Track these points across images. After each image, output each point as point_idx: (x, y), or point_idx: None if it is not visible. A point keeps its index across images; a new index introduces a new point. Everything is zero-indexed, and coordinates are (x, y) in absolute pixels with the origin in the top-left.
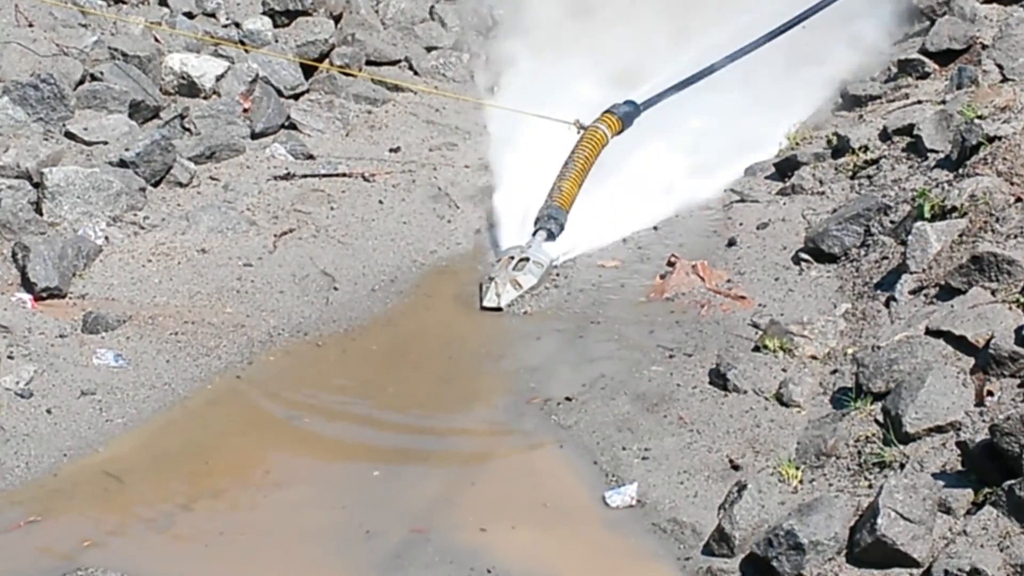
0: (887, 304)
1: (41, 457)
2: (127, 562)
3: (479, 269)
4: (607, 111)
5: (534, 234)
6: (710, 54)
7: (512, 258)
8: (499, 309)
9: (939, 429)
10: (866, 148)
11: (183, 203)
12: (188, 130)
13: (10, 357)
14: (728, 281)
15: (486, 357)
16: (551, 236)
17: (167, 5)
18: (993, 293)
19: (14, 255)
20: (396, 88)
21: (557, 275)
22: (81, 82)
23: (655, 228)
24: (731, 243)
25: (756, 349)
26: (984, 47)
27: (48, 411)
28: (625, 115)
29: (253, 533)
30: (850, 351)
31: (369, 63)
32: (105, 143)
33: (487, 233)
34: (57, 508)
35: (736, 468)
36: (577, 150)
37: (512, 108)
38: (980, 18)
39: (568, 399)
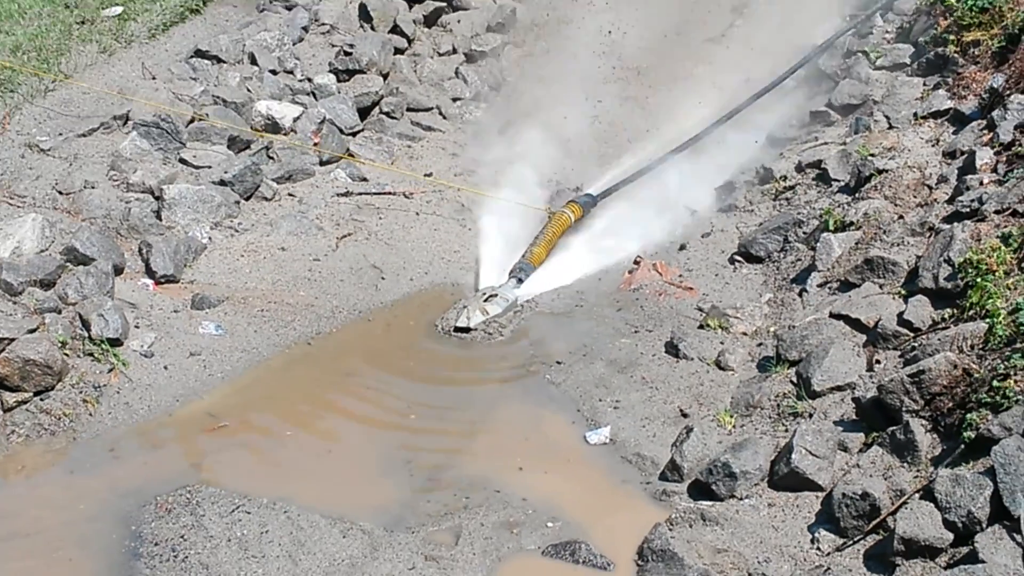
0: (800, 294)
1: (160, 401)
2: (224, 479)
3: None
4: (571, 201)
5: (508, 279)
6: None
7: (484, 293)
8: (469, 329)
9: (839, 388)
10: (785, 177)
11: (268, 213)
12: (272, 158)
13: (136, 327)
14: (680, 276)
15: (498, 331)
16: (519, 282)
17: (256, 64)
18: (880, 287)
19: (140, 250)
20: (429, 128)
21: (521, 307)
22: (191, 121)
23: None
24: (682, 247)
25: (701, 327)
26: (875, 102)
27: (165, 367)
28: (584, 203)
29: (321, 458)
30: (772, 329)
31: (409, 109)
32: (209, 167)
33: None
34: (171, 439)
35: (685, 416)
36: (547, 227)
37: (493, 195)
38: (873, 80)
39: (558, 362)
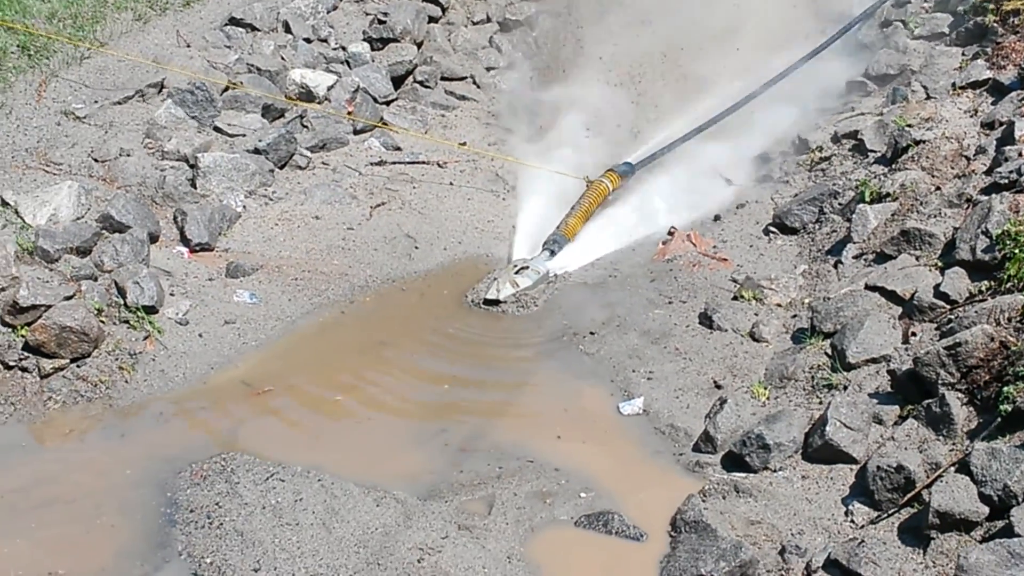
0: (835, 266)
1: (195, 369)
2: (258, 447)
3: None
4: (609, 169)
5: (542, 251)
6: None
7: (515, 265)
8: (498, 302)
9: (874, 360)
10: (821, 148)
11: (302, 182)
12: (306, 127)
13: (171, 294)
14: (714, 247)
15: (531, 301)
16: (552, 255)
17: (291, 32)
18: (917, 259)
19: (175, 218)
20: (463, 98)
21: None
22: (226, 89)
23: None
24: (717, 218)
25: (735, 298)
26: (913, 72)
27: (200, 335)
28: (623, 172)
29: (355, 427)
30: (807, 301)
31: (443, 79)
32: (244, 135)
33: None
34: (206, 406)
35: (719, 387)
36: (584, 196)
37: (530, 164)
38: (910, 50)
39: (592, 333)
